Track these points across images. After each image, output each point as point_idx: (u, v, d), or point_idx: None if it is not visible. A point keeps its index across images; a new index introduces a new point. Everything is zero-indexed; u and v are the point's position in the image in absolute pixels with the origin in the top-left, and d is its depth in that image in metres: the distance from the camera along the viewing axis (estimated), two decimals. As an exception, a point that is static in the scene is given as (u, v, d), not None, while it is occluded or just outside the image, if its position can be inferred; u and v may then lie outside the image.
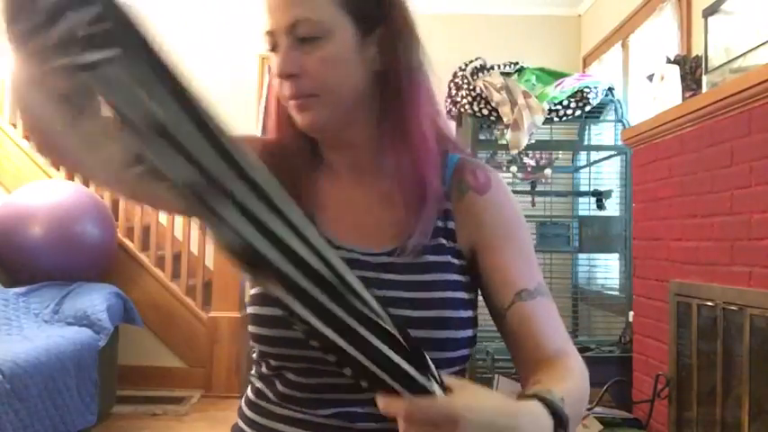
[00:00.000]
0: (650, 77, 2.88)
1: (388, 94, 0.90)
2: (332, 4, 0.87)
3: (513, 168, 3.84)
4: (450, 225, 0.92)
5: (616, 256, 3.90)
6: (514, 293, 0.88)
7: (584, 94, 3.65)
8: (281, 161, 0.93)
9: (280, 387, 0.89)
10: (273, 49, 0.90)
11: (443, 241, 0.91)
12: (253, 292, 0.93)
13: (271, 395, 0.90)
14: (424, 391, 0.64)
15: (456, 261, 0.91)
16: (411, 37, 0.92)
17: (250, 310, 0.91)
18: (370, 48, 0.89)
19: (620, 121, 3.80)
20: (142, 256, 4.43)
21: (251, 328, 0.90)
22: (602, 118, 3.89)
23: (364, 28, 0.89)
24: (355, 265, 0.88)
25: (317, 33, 0.86)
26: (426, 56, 0.94)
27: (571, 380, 0.79)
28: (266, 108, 0.90)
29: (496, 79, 3.68)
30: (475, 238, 0.92)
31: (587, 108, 3.67)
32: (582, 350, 3.12)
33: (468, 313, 0.89)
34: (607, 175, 4.12)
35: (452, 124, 4.15)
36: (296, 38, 0.87)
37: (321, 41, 0.86)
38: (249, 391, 0.95)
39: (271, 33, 0.89)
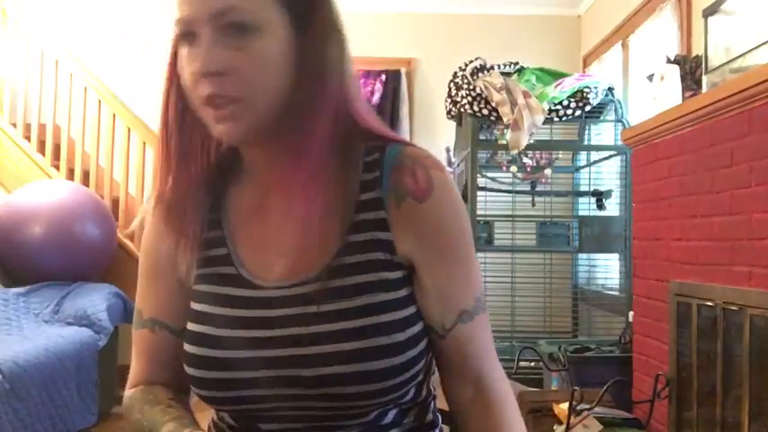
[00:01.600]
0: (650, 77, 2.88)
1: (297, 99, 0.77)
2: None
3: (513, 168, 3.84)
4: (386, 236, 0.82)
5: (616, 256, 3.90)
6: (456, 315, 0.84)
7: (584, 94, 3.65)
8: (183, 200, 0.87)
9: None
10: (187, 39, 0.76)
11: (379, 255, 0.81)
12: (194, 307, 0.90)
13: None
14: None
15: (393, 275, 0.82)
16: (336, 39, 0.80)
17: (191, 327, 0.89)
18: (299, 48, 0.77)
19: (620, 121, 3.80)
20: (142, 256, 4.43)
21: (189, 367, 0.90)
22: (602, 118, 3.89)
23: (297, 25, 0.77)
24: (271, 304, 0.81)
25: (250, 26, 0.73)
26: (347, 58, 0.82)
27: None
28: (165, 118, 0.84)
29: (496, 79, 3.68)
30: (414, 251, 0.82)
31: (587, 108, 3.67)
32: (582, 350, 3.12)
33: (407, 334, 0.80)
34: (607, 175, 4.12)
35: (452, 124, 4.15)
36: (222, 29, 0.73)
37: (253, 36, 0.74)
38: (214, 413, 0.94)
39: (186, 21, 0.75)
